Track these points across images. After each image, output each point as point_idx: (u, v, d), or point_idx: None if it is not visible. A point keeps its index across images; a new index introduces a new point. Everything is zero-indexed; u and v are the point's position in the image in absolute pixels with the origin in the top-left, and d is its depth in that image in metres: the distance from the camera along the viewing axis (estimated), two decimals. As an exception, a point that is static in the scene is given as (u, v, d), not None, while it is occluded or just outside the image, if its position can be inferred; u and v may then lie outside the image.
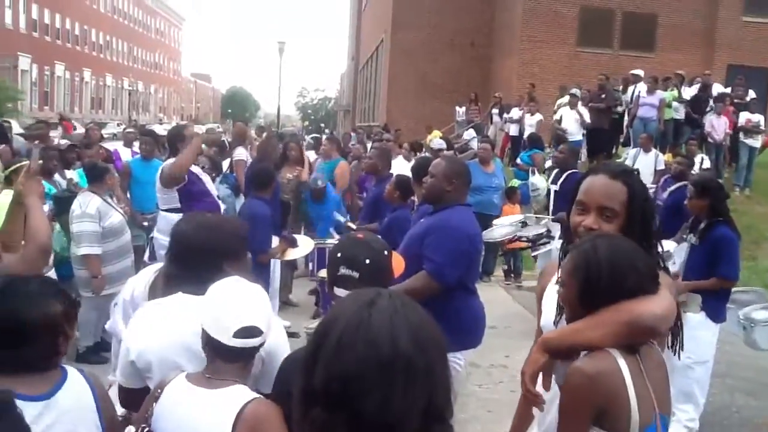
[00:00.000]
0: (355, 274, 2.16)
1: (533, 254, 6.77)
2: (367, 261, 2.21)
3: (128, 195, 6.66)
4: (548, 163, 9.14)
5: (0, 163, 7.92)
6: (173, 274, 2.35)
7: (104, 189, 5.15)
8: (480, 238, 3.88)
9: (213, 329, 1.88)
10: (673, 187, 7.17)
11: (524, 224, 6.87)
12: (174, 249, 2.31)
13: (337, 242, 2.44)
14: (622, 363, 1.72)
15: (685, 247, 4.72)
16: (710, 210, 4.54)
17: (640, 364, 1.75)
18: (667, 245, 6.60)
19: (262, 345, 1.92)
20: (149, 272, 2.78)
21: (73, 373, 1.97)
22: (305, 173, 7.60)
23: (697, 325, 4.25)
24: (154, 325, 2.16)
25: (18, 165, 5.97)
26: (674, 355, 2.06)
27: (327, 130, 37.22)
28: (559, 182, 6.93)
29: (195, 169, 5.23)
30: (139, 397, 2.10)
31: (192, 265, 2.21)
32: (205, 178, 5.34)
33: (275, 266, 6.00)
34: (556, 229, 6.48)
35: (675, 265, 4.69)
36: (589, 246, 1.83)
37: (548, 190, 7.31)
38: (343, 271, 2.18)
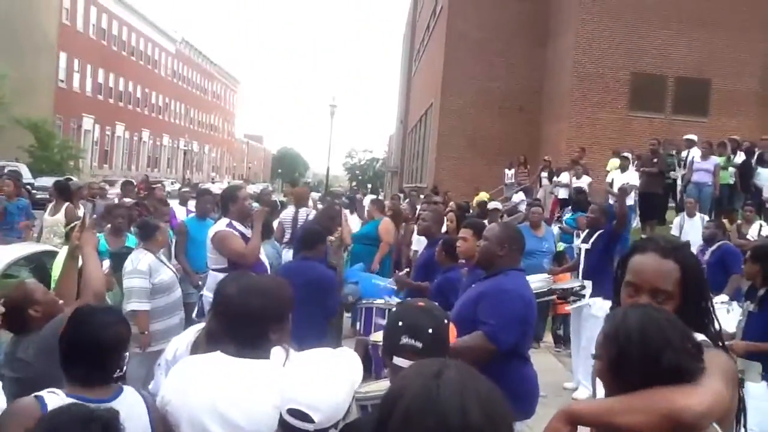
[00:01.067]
0: (419, 344, 2.07)
1: (568, 308, 6.82)
2: (430, 330, 2.12)
3: (184, 254, 6.75)
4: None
5: (64, 219, 8.22)
6: (215, 332, 2.33)
7: (156, 246, 5.22)
8: (534, 304, 3.75)
9: (279, 398, 1.80)
10: (714, 247, 7.74)
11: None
12: (217, 308, 2.30)
13: (396, 308, 2.31)
14: None
15: (737, 313, 4.61)
16: (764, 275, 4.48)
17: None
18: (720, 298, 6.47)
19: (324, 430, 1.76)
20: (192, 332, 2.77)
21: (128, 388, 2.29)
22: (345, 233, 7.66)
23: (759, 395, 4.04)
24: (189, 384, 2.12)
25: (76, 222, 6.17)
26: None
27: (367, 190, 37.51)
28: (591, 241, 6.93)
29: (245, 230, 5.22)
30: None
31: (234, 327, 2.19)
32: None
33: None
34: (589, 287, 6.58)
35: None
36: (620, 315, 1.76)
37: (579, 249, 7.24)
38: (405, 340, 2.08)
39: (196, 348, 2.57)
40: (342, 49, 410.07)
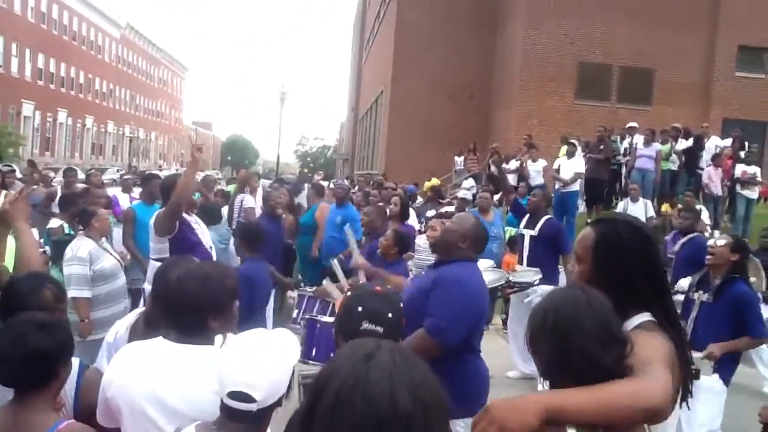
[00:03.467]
0: (379, 329, 2.07)
1: (526, 300, 6.47)
2: (390, 315, 2.13)
3: (133, 239, 6.59)
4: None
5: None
6: (155, 318, 2.28)
7: (95, 232, 5.07)
8: (486, 296, 3.66)
9: (217, 383, 1.76)
10: (684, 239, 7.13)
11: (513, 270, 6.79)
12: (158, 294, 2.25)
13: (353, 294, 2.26)
14: None
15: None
16: (734, 267, 4.42)
17: None
18: (684, 282, 6.43)
19: (264, 410, 1.72)
20: (133, 315, 2.72)
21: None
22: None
23: (710, 388, 4.02)
24: (129, 370, 2.08)
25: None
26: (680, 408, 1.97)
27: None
28: (537, 227, 6.85)
29: (189, 218, 5.09)
30: None
31: (172, 313, 2.14)
32: (200, 229, 5.19)
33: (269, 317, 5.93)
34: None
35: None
36: (548, 295, 1.85)
37: (521, 235, 7.17)
38: (365, 326, 2.07)
39: (135, 331, 2.52)
40: (292, 36, 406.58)
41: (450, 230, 3.57)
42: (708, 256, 4.54)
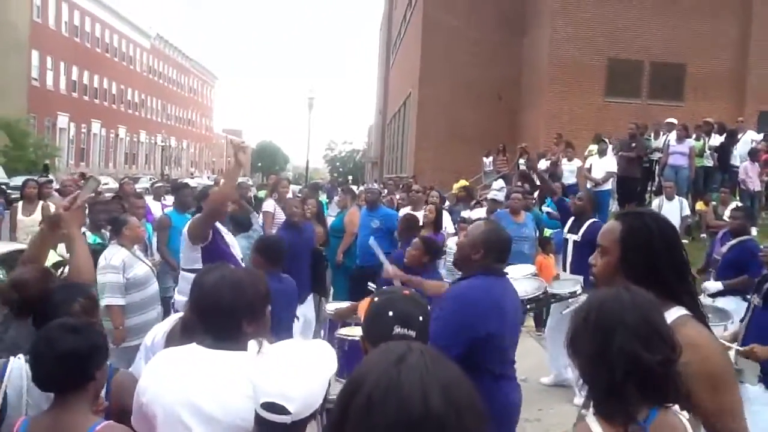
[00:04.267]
0: (412, 333, 2.04)
1: (564, 312, 6.08)
2: (421, 318, 2.10)
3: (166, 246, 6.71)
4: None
5: (40, 218, 8.12)
6: (192, 324, 2.31)
7: (127, 240, 5.14)
8: (504, 312, 3.18)
9: (252, 393, 1.73)
10: (734, 241, 6.64)
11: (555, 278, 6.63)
12: (194, 300, 2.27)
13: (381, 298, 2.18)
14: None
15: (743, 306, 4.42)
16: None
17: None
18: (712, 286, 6.24)
19: (298, 423, 1.69)
20: (170, 321, 2.76)
21: None
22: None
23: (754, 398, 3.84)
24: (164, 376, 2.10)
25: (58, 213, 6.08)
26: None
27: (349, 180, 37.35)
28: (581, 232, 6.53)
29: (221, 228, 5.04)
30: None
31: (207, 319, 2.16)
32: (230, 239, 5.16)
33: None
34: (580, 282, 6.03)
35: (733, 323, 4.41)
36: (591, 295, 1.80)
37: (565, 240, 6.92)
38: (397, 330, 2.04)
39: (171, 337, 2.55)
40: (319, 42, 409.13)
41: (461, 245, 3.43)
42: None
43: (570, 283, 6.13)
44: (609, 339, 1.61)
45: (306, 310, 6.32)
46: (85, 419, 2.05)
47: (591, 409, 1.66)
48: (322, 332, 5.51)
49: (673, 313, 1.88)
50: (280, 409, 1.64)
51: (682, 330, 1.77)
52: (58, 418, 2.05)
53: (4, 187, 18.69)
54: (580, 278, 6.02)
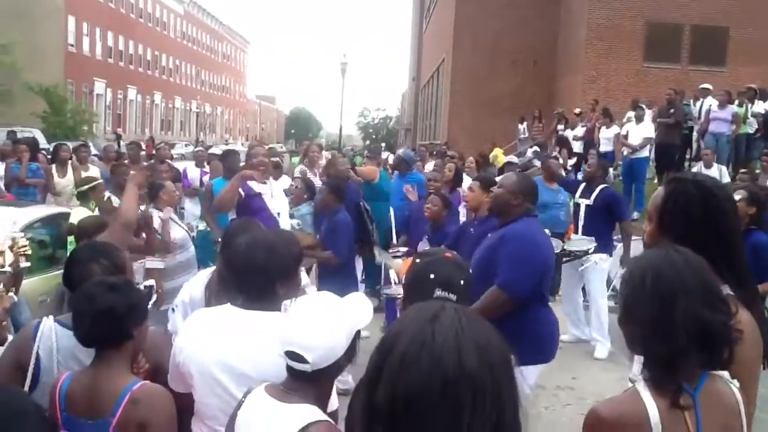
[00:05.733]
0: (453, 296, 2.05)
1: (580, 269, 6.66)
2: (462, 282, 2.11)
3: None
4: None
5: (73, 178, 8.31)
6: (225, 274, 2.36)
7: (164, 205, 5.22)
8: (551, 248, 3.90)
9: (278, 341, 1.80)
10: None
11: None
12: (228, 260, 2.32)
13: (422, 261, 2.22)
14: (654, 413, 1.49)
15: None
16: (753, 219, 4.54)
17: (686, 416, 1.50)
18: None
19: (321, 371, 1.75)
20: (204, 275, 2.82)
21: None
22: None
23: None
24: (199, 335, 2.15)
25: (95, 183, 6.22)
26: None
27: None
28: (593, 196, 6.76)
29: (253, 184, 5.31)
30: (183, 403, 2.14)
31: (240, 279, 2.21)
32: (267, 192, 5.39)
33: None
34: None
35: None
36: (637, 257, 1.75)
37: (577, 205, 7.07)
38: (439, 293, 2.05)
39: (210, 289, 2.60)
40: (353, 6, 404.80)
41: (498, 194, 3.76)
42: None
43: (584, 242, 6.48)
44: (671, 304, 1.53)
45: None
46: (124, 377, 2.10)
47: (641, 377, 1.61)
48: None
49: None
50: (298, 358, 1.71)
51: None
52: (97, 374, 2.10)
53: (44, 152, 19.04)
54: (592, 238, 6.48)
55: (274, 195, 5.54)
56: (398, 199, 7.67)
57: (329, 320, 1.74)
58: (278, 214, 5.39)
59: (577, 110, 16.18)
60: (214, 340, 2.11)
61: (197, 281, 2.90)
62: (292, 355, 1.73)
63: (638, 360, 1.63)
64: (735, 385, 1.60)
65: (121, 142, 21.44)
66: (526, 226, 3.65)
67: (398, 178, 8.17)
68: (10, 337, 2.52)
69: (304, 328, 1.73)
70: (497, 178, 5.04)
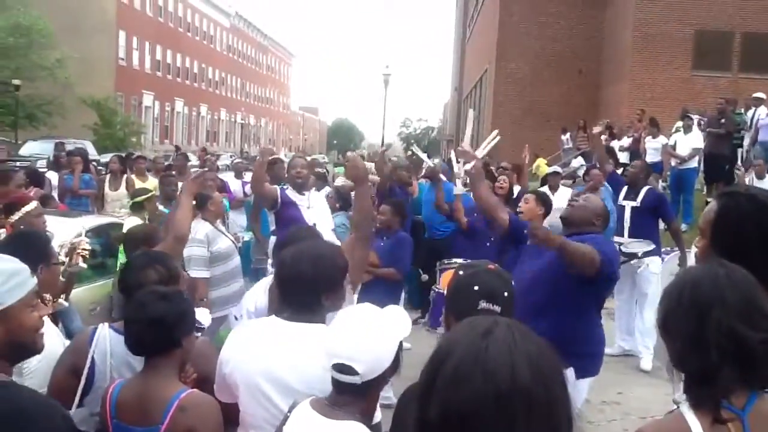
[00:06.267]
0: (497, 308, 2.04)
1: (639, 270, 6.60)
2: (506, 294, 2.10)
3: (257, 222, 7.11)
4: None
5: (126, 192, 8.51)
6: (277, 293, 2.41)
7: (210, 215, 5.30)
8: None
9: (325, 353, 1.81)
10: None
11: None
12: (276, 271, 2.35)
13: (466, 272, 2.20)
14: None
15: None
16: None
17: None
18: None
19: (370, 383, 1.76)
20: (264, 283, 2.89)
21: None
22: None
23: None
24: (244, 347, 2.18)
25: (148, 195, 6.37)
26: None
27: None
28: (639, 198, 6.72)
29: (299, 197, 5.52)
30: (229, 413, 2.16)
31: (286, 290, 2.23)
32: (304, 203, 5.56)
33: None
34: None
35: None
36: (684, 271, 1.73)
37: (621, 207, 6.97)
38: (483, 305, 2.05)
39: (272, 292, 2.71)
40: (395, 17, 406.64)
41: (584, 207, 3.78)
42: None
43: (642, 244, 6.45)
44: (706, 317, 1.50)
45: None
46: (172, 386, 2.14)
47: (684, 399, 1.55)
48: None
49: None
50: (348, 370, 1.71)
51: None
52: (146, 382, 2.14)
53: (95, 163, 19.55)
54: (649, 241, 6.48)
55: (312, 206, 5.60)
56: (428, 208, 7.68)
57: (375, 331, 1.75)
58: (314, 225, 5.43)
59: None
60: (260, 352, 2.13)
61: (259, 290, 2.95)
62: (340, 367, 1.73)
63: (682, 380, 1.59)
64: None
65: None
66: (607, 241, 3.86)
67: (430, 187, 8.18)
68: (58, 346, 2.57)
69: (350, 339, 1.73)
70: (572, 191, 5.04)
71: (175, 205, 3.70)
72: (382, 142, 31.62)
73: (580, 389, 3.55)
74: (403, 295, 6.42)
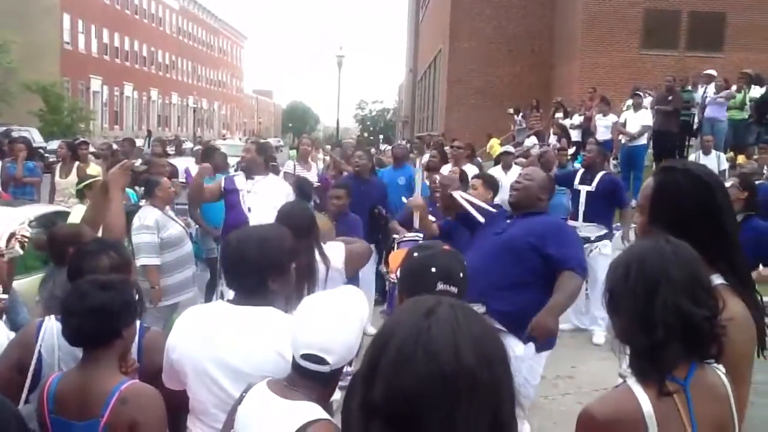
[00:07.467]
0: (454, 290, 2.04)
1: (590, 255, 6.49)
2: (461, 275, 2.10)
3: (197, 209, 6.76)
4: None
5: (76, 179, 8.26)
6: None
7: (160, 201, 5.20)
8: None
9: (291, 342, 1.78)
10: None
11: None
12: (221, 256, 2.31)
13: (422, 254, 2.18)
14: (647, 407, 1.48)
15: None
16: (747, 204, 4.63)
17: (679, 407, 1.49)
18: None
19: (337, 371, 1.77)
20: None
21: None
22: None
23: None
24: (191, 332, 2.14)
25: (91, 180, 6.18)
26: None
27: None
28: (594, 183, 6.76)
29: (238, 179, 5.59)
30: (176, 400, 2.12)
31: (232, 275, 2.19)
32: (245, 188, 5.51)
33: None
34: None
35: None
36: (628, 247, 1.73)
37: (576, 191, 7.00)
38: (441, 286, 2.04)
39: None
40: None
41: (527, 188, 3.77)
42: None
43: (595, 228, 6.53)
44: (653, 294, 1.51)
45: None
46: (112, 377, 2.08)
47: (631, 371, 1.58)
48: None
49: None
50: (319, 360, 1.70)
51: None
52: (85, 374, 2.08)
53: (41, 150, 19.03)
54: (602, 225, 6.56)
55: (255, 191, 5.50)
56: (392, 191, 7.61)
57: (346, 320, 1.74)
58: (249, 209, 5.38)
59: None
60: (207, 337, 2.10)
61: None
62: (310, 357, 1.71)
63: (627, 354, 1.61)
64: (721, 371, 1.59)
65: (150, 140, 21.50)
66: (558, 218, 3.87)
67: (394, 170, 8.14)
68: (2, 339, 2.49)
69: (324, 330, 1.72)
70: (522, 171, 4.94)
71: (100, 200, 3.34)
72: (338, 124, 31.49)
73: (539, 362, 3.63)
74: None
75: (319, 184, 7.90)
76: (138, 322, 2.29)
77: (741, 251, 1.92)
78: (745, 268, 1.93)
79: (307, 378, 1.73)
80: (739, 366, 1.66)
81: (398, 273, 2.28)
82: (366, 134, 62.86)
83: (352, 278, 5.00)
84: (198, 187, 5.70)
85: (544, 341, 3.54)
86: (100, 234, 3.37)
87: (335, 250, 3.44)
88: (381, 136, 42.83)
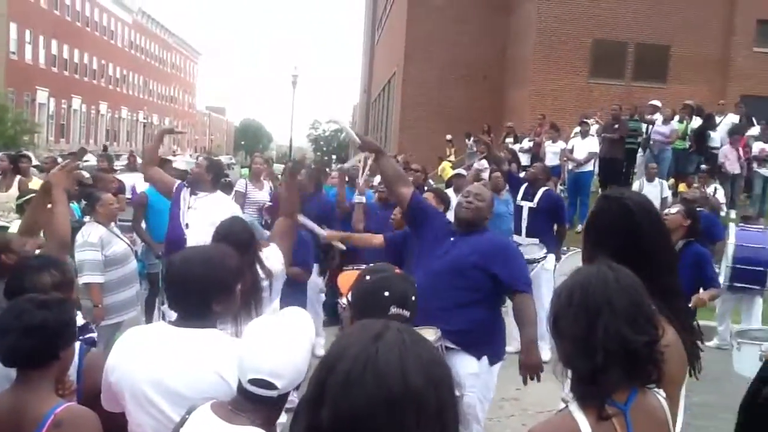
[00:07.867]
0: (406, 314, 2.04)
1: (532, 273, 6.74)
2: (413, 298, 2.10)
3: (144, 224, 6.59)
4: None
5: (17, 193, 8.00)
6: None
7: (102, 217, 5.07)
8: None
9: (237, 366, 1.75)
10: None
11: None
12: (165, 277, 2.27)
13: (375, 276, 2.16)
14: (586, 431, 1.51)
15: None
16: (690, 231, 4.80)
17: (618, 430, 1.53)
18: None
19: (284, 395, 1.74)
20: None
21: None
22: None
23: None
24: (130, 354, 2.09)
25: (31, 195, 5.99)
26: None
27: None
28: (536, 199, 6.92)
29: (185, 192, 5.28)
30: (116, 423, 2.06)
31: (174, 295, 2.15)
32: (186, 203, 5.27)
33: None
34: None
35: None
36: (573, 273, 1.74)
37: (518, 207, 7.17)
38: (394, 310, 2.04)
39: None
40: (304, 19, 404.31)
41: (480, 209, 3.85)
42: None
43: (536, 248, 6.62)
44: (594, 321, 1.55)
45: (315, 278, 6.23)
46: (47, 400, 2.00)
47: (572, 396, 1.62)
48: None
49: None
50: (267, 385, 1.67)
51: None
52: (19, 396, 1.99)
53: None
54: (542, 245, 6.65)
55: (197, 207, 5.26)
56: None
57: (295, 345, 1.72)
58: (186, 225, 5.19)
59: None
60: (147, 359, 2.05)
61: None
62: (258, 382, 1.68)
63: (570, 378, 1.64)
64: (662, 395, 1.64)
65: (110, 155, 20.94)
66: (500, 236, 3.95)
67: (349, 190, 8.14)
68: None
69: (272, 354, 1.68)
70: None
71: (40, 203, 3.27)
72: (290, 144, 31.41)
73: (493, 374, 3.71)
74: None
75: (270, 204, 7.81)
76: (78, 343, 2.23)
77: (675, 278, 1.98)
78: (679, 295, 1.98)
79: (253, 402, 1.70)
80: (669, 388, 1.71)
81: (349, 296, 2.24)
82: (319, 153, 62.78)
83: (300, 297, 4.98)
84: (155, 148, 5.91)
85: (498, 354, 3.68)
86: (42, 237, 3.29)
87: (273, 254, 3.45)
88: (334, 156, 42.84)
